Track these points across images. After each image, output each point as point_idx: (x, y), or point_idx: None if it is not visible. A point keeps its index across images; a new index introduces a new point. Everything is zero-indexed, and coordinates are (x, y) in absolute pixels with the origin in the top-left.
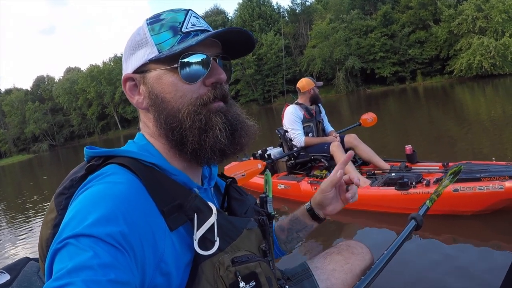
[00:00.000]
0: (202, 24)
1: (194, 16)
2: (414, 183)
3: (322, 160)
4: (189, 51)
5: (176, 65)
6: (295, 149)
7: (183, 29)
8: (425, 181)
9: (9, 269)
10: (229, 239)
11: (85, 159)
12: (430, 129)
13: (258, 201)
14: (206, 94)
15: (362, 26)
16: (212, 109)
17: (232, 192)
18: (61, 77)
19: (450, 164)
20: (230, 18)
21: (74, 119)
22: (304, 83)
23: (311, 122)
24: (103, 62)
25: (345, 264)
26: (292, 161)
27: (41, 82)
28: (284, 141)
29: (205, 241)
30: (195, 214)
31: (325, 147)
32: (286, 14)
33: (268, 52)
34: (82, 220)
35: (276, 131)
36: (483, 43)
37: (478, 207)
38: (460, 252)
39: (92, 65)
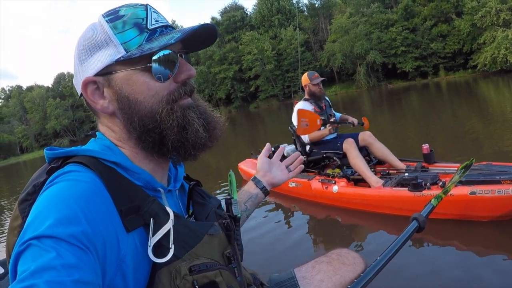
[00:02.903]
0: (164, 19)
1: (154, 12)
2: (428, 184)
3: (334, 158)
4: (160, 49)
5: (149, 64)
6: (308, 147)
7: (149, 26)
8: (441, 183)
9: (4, 263)
10: (187, 246)
11: (46, 161)
12: (452, 126)
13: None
14: (176, 90)
15: (382, 20)
16: (183, 105)
17: (195, 196)
18: None
19: (468, 170)
20: (249, 13)
21: (94, 115)
22: (302, 78)
23: (321, 116)
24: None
25: (334, 275)
26: (305, 159)
27: (62, 79)
28: (296, 137)
29: (162, 248)
30: (152, 218)
31: (338, 144)
32: (305, 9)
33: (288, 47)
34: (44, 221)
35: (289, 127)
36: (507, 36)
37: (496, 212)
38: (475, 262)
39: None
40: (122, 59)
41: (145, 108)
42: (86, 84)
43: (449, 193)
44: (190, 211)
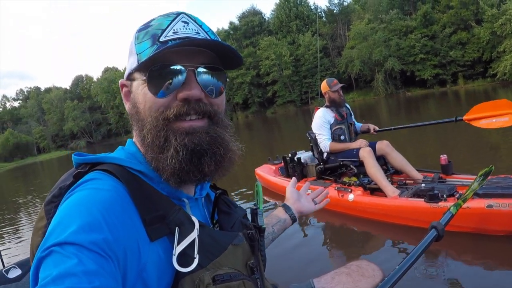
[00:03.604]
0: (188, 31)
1: (182, 21)
2: (445, 195)
3: (351, 166)
4: (157, 62)
5: (145, 77)
6: (325, 155)
7: (161, 38)
8: (458, 195)
9: (21, 264)
10: (211, 255)
11: (74, 165)
12: (470, 137)
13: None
14: (173, 108)
15: (401, 27)
16: (175, 127)
17: (220, 205)
18: (99, 77)
19: (487, 178)
20: (267, 18)
21: (111, 118)
22: (322, 86)
23: (342, 124)
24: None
25: (354, 287)
26: (322, 166)
27: (79, 81)
28: (315, 145)
29: (186, 257)
30: (177, 227)
31: (354, 152)
32: (324, 15)
33: (306, 53)
34: (66, 228)
35: (307, 134)
36: None
37: None
38: (488, 277)
39: None
40: (132, 70)
41: (142, 119)
42: (121, 86)
43: (465, 206)
44: (215, 220)
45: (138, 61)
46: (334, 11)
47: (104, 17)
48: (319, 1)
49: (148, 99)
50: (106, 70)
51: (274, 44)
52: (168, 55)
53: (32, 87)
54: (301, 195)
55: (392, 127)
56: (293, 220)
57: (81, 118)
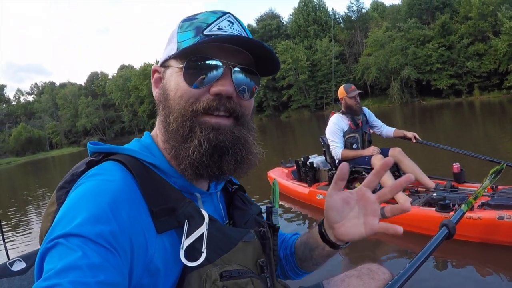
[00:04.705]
0: (233, 30)
1: (228, 20)
2: (457, 205)
3: (363, 172)
4: (197, 54)
5: (182, 65)
6: (337, 160)
7: (206, 31)
8: None
9: (26, 257)
10: (220, 251)
11: (88, 154)
12: (484, 147)
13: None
14: (203, 102)
15: (419, 36)
16: (202, 121)
17: (235, 201)
18: (115, 74)
19: (500, 187)
20: (284, 22)
21: (125, 116)
22: (339, 91)
23: (356, 133)
24: (156, 61)
25: None
26: (334, 171)
27: (95, 78)
28: (327, 150)
29: (194, 251)
30: (186, 221)
31: (366, 159)
32: (342, 21)
33: (322, 59)
34: (72, 219)
35: (320, 139)
36: None
37: None
38: (496, 285)
39: (146, 63)
40: (170, 57)
41: (170, 105)
42: (153, 71)
43: (477, 216)
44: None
45: (177, 48)
46: (352, 18)
47: (124, 15)
48: (337, 7)
49: (181, 88)
50: (122, 67)
51: (291, 48)
52: (208, 49)
53: (47, 82)
54: (350, 206)
55: (442, 146)
56: (335, 247)
57: (94, 115)
